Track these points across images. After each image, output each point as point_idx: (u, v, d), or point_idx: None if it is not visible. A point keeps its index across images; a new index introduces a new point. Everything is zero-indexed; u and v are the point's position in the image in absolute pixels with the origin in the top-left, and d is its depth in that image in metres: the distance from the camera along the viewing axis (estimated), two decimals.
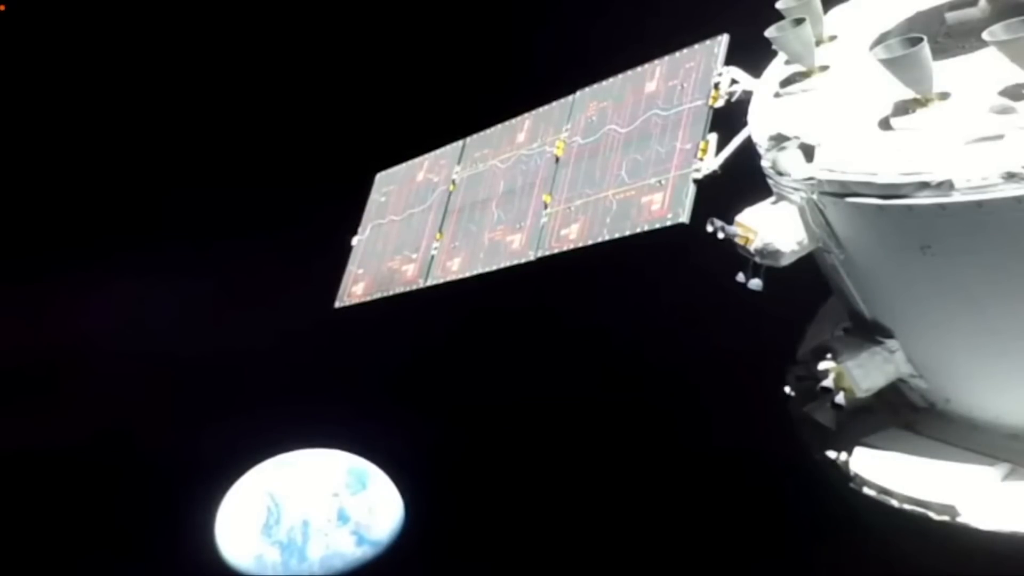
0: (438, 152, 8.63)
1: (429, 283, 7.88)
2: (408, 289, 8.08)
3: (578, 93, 7.48)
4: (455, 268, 7.68)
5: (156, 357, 16.13)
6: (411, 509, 15.86)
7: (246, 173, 16.31)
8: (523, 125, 7.83)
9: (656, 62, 6.96)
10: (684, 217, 6.08)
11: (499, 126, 8.08)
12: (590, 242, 6.69)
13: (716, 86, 6.37)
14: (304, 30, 16.34)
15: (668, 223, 6.16)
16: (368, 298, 8.54)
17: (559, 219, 6.99)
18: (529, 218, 7.24)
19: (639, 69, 7.08)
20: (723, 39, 6.54)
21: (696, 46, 6.69)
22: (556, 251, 6.92)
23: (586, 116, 7.27)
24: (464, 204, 7.94)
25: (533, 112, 7.83)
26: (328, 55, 16.18)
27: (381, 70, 16.07)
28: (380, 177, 9.26)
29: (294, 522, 15.65)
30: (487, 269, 7.42)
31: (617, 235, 6.50)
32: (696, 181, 6.14)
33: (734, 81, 6.37)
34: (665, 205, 6.23)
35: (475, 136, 8.29)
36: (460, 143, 8.39)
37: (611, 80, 7.26)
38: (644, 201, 6.38)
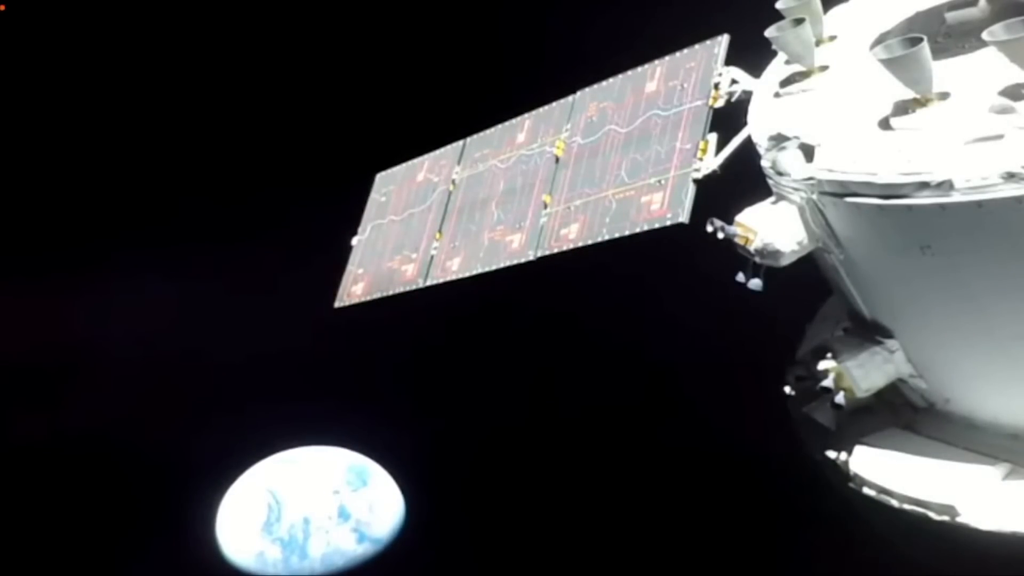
0: (438, 152, 8.60)
1: (428, 283, 7.87)
2: (407, 289, 8.07)
3: (578, 93, 7.46)
4: (455, 268, 7.66)
5: (157, 356, 16.14)
6: (412, 506, 15.87)
7: (245, 173, 16.30)
8: (523, 125, 7.81)
9: (656, 62, 6.94)
10: (683, 217, 6.07)
11: (499, 126, 8.06)
12: (590, 242, 6.67)
13: (716, 86, 6.36)
14: (303, 29, 16.32)
15: (668, 223, 6.15)
16: (368, 298, 8.52)
17: (559, 219, 6.97)
18: (529, 218, 7.22)
19: (639, 69, 7.05)
20: (723, 39, 6.52)
21: (696, 46, 6.67)
22: (556, 251, 6.90)
23: (586, 116, 7.25)
24: (464, 204, 7.93)
25: (533, 112, 7.81)
26: (325, 54, 16.15)
27: (379, 70, 16.05)
28: (380, 177, 9.24)
29: (295, 519, 15.66)
30: (487, 269, 7.40)
31: (617, 235, 6.48)
32: (696, 181, 6.13)
33: (734, 81, 6.36)
34: (665, 205, 6.21)
35: (475, 136, 8.26)
36: (460, 143, 8.36)
37: (611, 80, 7.24)
38: (644, 201, 6.37)
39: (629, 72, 7.13)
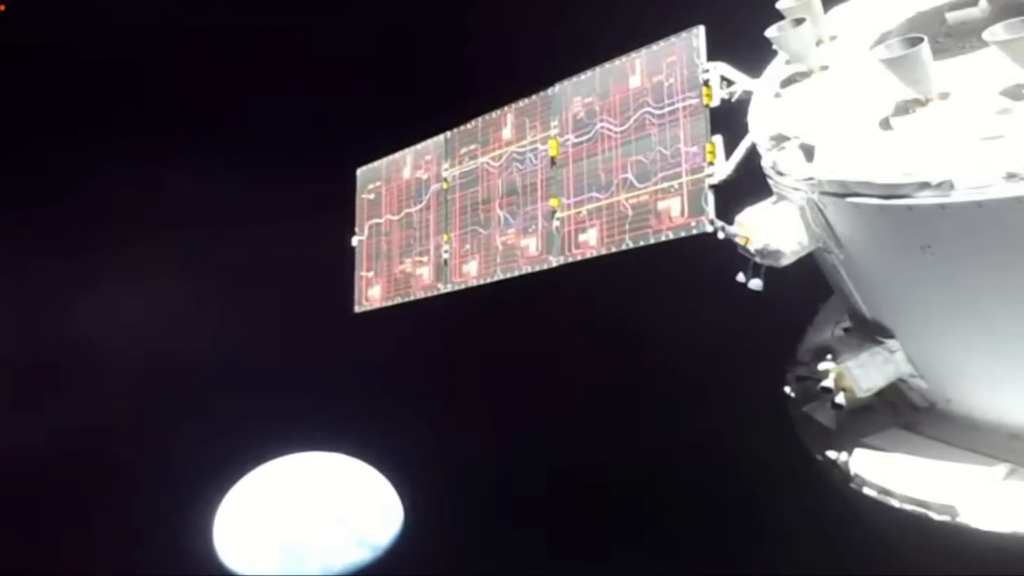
0: (419, 147, 8.46)
1: (449, 289, 7.82)
2: (428, 295, 8.01)
3: (557, 87, 7.31)
4: (473, 273, 7.61)
5: (157, 358, 16.12)
6: (410, 513, 15.84)
7: (227, 172, 16.26)
8: (505, 120, 7.68)
9: (633, 55, 6.79)
10: (709, 225, 6.07)
11: (479, 120, 7.91)
12: (613, 250, 6.62)
13: (706, 83, 6.30)
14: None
15: (694, 231, 6.12)
16: (389, 303, 8.45)
17: (572, 224, 6.92)
18: (539, 222, 7.17)
19: (616, 62, 6.91)
20: (699, 31, 6.41)
21: (673, 38, 6.53)
22: (579, 258, 6.85)
23: (572, 113, 7.14)
24: (464, 204, 7.88)
25: (513, 106, 7.65)
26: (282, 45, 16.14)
27: (339, 60, 15.99)
28: (361, 173, 9.09)
29: (293, 525, 15.62)
30: (508, 275, 7.35)
31: (642, 243, 6.45)
32: (712, 187, 6.10)
33: (729, 82, 6.33)
34: (685, 213, 6.18)
35: (457, 131, 8.11)
36: (441, 138, 8.22)
37: (589, 73, 7.10)
38: (661, 208, 6.32)
39: (606, 65, 6.98)
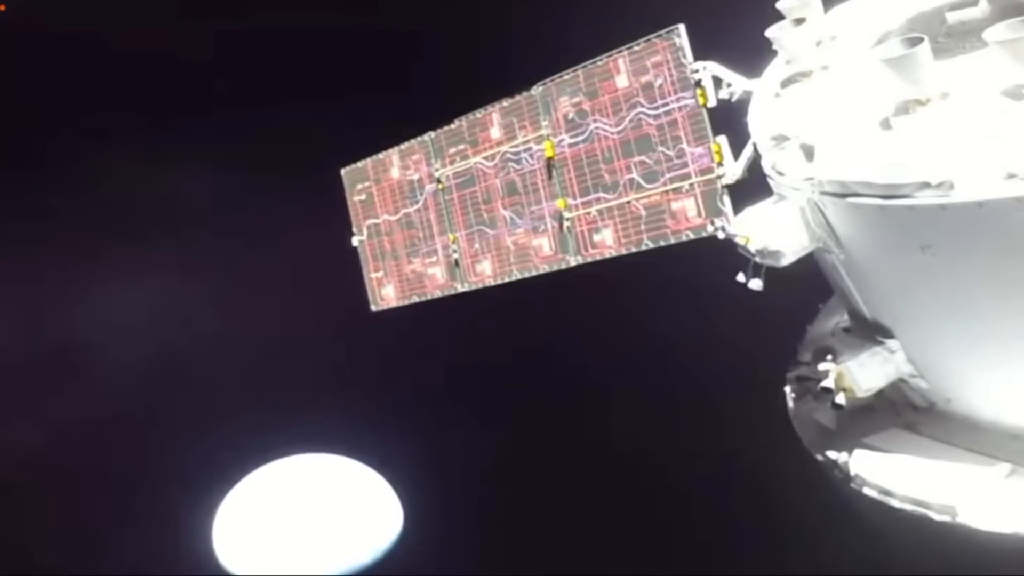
0: (403, 147, 8.52)
1: (466, 288, 7.89)
2: (445, 294, 8.12)
3: (540, 86, 7.35)
4: (488, 273, 7.68)
5: (158, 359, 16.12)
6: (410, 516, 15.84)
7: (226, 172, 16.27)
8: (491, 120, 7.73)
9: (615, 54, 6.81)
10: (710, 226, 6.14)
11: (463, 120, 7.96)
12: (633, 250, 6.69)
13: (699, 84, 6.32)
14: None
15: (714, 232, 6.19)
16: (405, 302, 8.58)
17: (584, 224, 6.96)
18: (548, 222, 7.22)
19: (599, 62, 6.93)
20: (680, 29, 6.41)
21: (654, 38, 6.55)
22: (597, 258, 6.92)
23: (562, 113, 7.16)
24: (464, 204, 7.92)
25: (496, 106, 7.69)
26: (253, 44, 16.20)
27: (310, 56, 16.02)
28: (346, 173, 9.14)
29: (293, 527, 15.61)
30: (525, 275, 7.43)
31: (662, 243, 6.52)
32: (725, 187, 6.14)
33: (726, 83, 6.32)
34: (702, 213, 6.24)
35: (441, 131, 8.17)
36: (426, 138, 8.27)
37: (571, 73, 7.11)
38: (676, 208, 6.38)
39: (588, 65, 7.00)
